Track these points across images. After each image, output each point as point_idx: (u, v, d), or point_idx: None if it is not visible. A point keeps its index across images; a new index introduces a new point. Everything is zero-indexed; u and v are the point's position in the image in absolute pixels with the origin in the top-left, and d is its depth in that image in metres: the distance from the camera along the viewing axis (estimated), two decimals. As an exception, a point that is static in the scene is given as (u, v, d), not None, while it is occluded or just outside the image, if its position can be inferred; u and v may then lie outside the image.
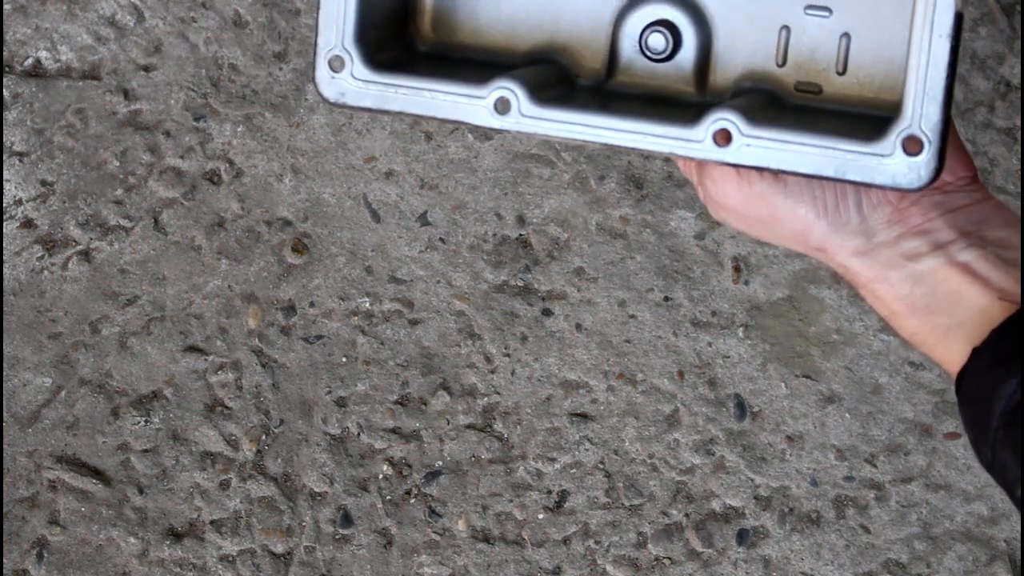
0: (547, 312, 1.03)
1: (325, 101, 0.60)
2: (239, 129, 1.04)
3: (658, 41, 0.63)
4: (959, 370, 0.57)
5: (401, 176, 1.03)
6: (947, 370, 0.59)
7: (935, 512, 1.00)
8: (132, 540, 1.05)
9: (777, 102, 0.61)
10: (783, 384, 1.02)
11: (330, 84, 0.60)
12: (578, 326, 1.03)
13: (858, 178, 0.55)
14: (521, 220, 1.03)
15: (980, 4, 0.99)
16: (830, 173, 0.55)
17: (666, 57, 0.63)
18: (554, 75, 0.63)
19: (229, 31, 1.04)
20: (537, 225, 1.03)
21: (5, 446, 1.05)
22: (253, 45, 1.04)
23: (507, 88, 0.58)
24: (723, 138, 0.56)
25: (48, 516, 1.05)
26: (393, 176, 1.03)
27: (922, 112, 0.54)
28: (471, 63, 0.64)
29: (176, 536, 1.04)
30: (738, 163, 0.56)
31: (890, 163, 0.55)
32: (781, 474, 1.01)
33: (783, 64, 0.62)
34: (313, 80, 0.60)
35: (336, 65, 0.60)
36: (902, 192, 0.58)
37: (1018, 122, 1.00)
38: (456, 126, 0.61)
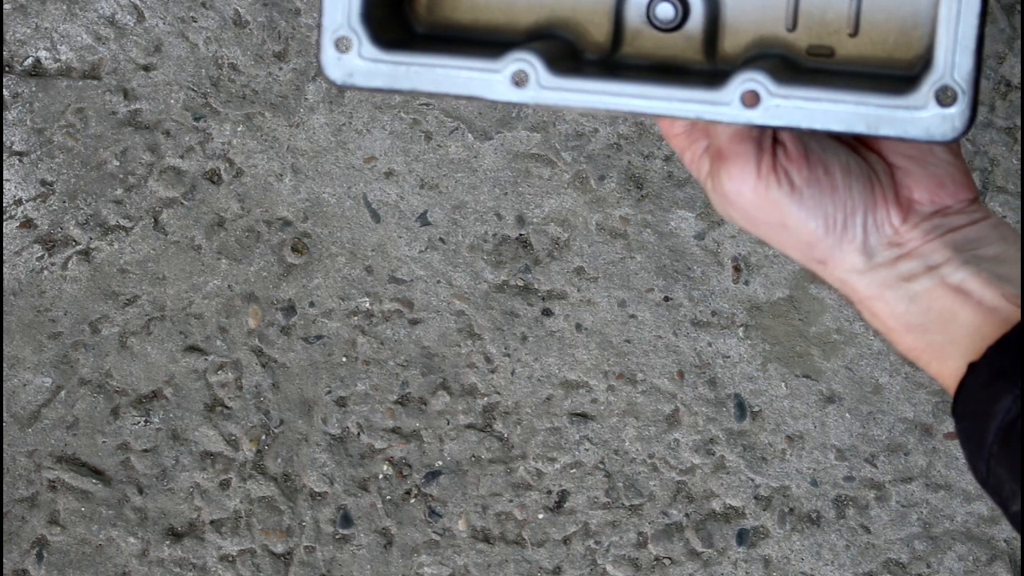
0: (547, 312, 1.03)
1: (331, 83, 0.58)
2: (239, 129, 1.04)
3: (666, 11, 0.62)
4: (956, 386, 0.57)
5: (401, 176, 1.03)
6: (943, 385, 0.59)
7: (935, 512, 1.00)
8: (132, 540, 1.05)
9: (791, 66, 0.60)
10: (783, 384, 1.02)
11: (337, 65, 0.58)
12: (578, 326, 1.02)
13: (891, 132, 0.54)
14: (521, 220, 1.03)
15: (980, 4, 0.99)
16: (862, 129, 0.55)
17: (675, 27, 0.62)
18: (561, 50, 0.61)
19: (229, 31, 1.04)
20: (537, 225, 1.03)
21: (5, 446, 1.05)
22: (253, 45, 1.04)
23: (524, 60, 0.56)
24: (751, 99, 0.55)
25: (48, 516, 1.05)
26: (393, 176, 1.03)
27: (955, 62, 0.54)
28: (471, 43, 0.62)
29: (176, 536, 1.04)
30: (767, 124, 0.55)
31: (923, 115, 0.54)
32: (781, 474, 1.01)
33: (793, 28, 0.61)
34: (318, 62, 0.59)
35: (343, 45, 0.58)
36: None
37: (1018, 122, 1.00)
38: (471, 102, 0.59)
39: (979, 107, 1.00)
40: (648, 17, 0.62)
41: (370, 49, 0.58)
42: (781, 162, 0.57)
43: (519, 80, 0.57)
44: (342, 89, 0.60)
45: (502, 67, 0.57)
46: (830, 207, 0.58)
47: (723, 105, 0.55)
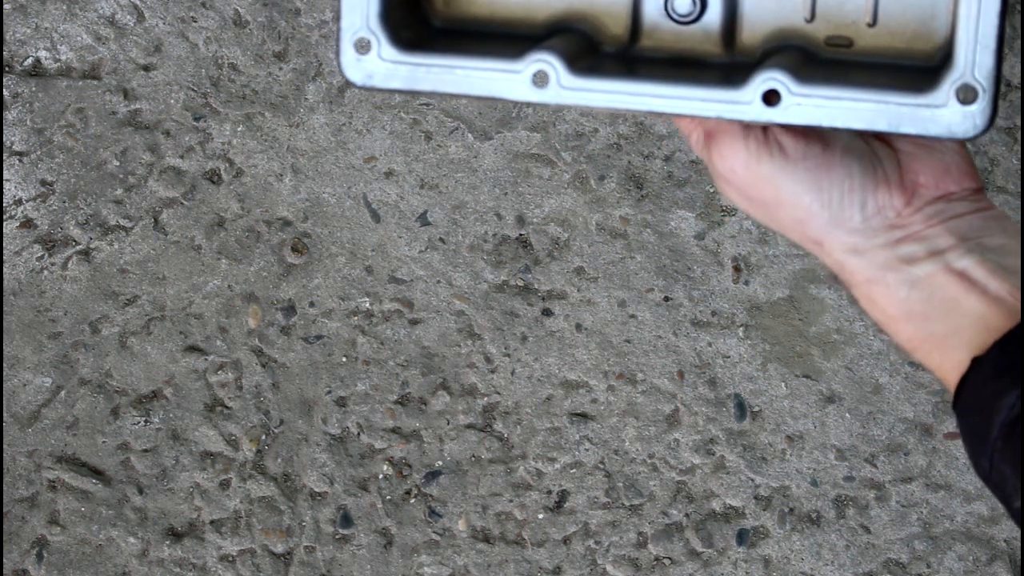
0: (547, 312, 1.03)
1: (352, 85, 0.58)
2: (239, 129, 1.04)
3: (684, 3, 0.62)
4: (958, 379, 0.56)
5: (401, 176, 1.03)
6: (943, 378, 0.58)
7: (935, 512, 1.00)
8: (132, 540, 1.05)
9: (809, 58, 0.60)
10: (783, 384, 1.02)
11: (357, 67, 0.58)
12: (578, 326, 1.02)
13: (912, 130, 0.54)
14: (521, 220, 1.03)
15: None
16: (883, 127, 0.55)
17: (693, 19, 0.62)
18: (579, 44, 0.61)
19: (229, 31, 1.04)
20: (537, 225, 1.03)
21: (5, 446, 1.05)
22: (253, 45, 1.04)
23: (544, 60, 0.56)
24: (772, 98, 0.55)
25: (48, 516, 1.05)
26: (393, 176, 1.03)
27: (975, 61, 0.54)
28: (489, 36, 0.62)
29: (176, 536, 1.04)
30: (788, 123, 0.55)
31: (944, 113, 0.54)
32: (781, 474, 1.01)
33: (811, 19, 0.61)
34: (338, 64, 0.58)
35: (362, 47, 0.58)
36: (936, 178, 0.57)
37: (1018, 122, 1.00)
38: (490, 103, 0.58)
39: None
40: (666, 10, 0.62)
41: (389, 50, 0.58)
42: (774, 134, 0.57)
43: (539, 81, 0.56)
44: (362, 90, 0.59)
45: (522, 68, 0.56)
46: (825, 182, 0.58)
47: (744, 104, 0.55)
